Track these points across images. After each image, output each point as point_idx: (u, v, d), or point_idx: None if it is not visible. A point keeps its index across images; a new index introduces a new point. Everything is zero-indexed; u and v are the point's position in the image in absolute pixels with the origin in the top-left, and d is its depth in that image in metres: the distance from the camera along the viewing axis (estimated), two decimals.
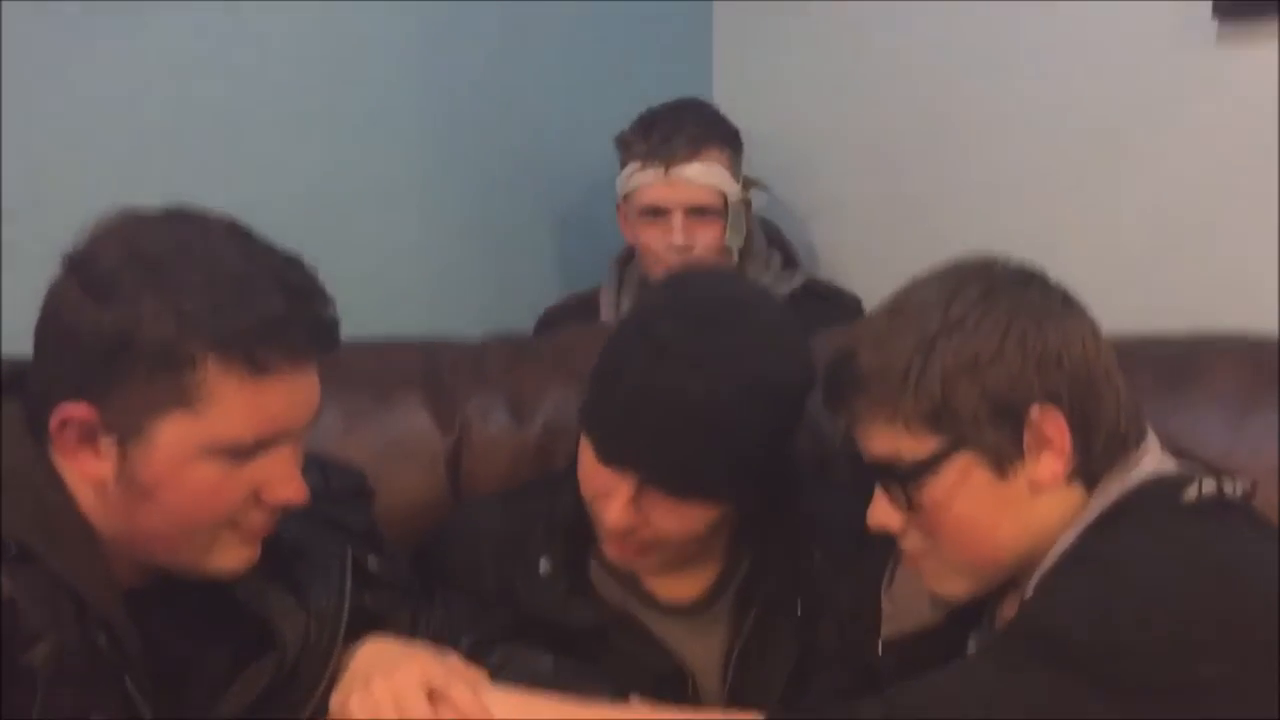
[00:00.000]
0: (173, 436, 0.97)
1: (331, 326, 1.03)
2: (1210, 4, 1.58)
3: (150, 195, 1.03)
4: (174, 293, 0.95)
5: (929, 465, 1.05)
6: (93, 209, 1.01)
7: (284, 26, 1.78)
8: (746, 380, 1.19)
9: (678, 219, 1.82)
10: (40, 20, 1.56)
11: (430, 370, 1.61)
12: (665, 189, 1.82)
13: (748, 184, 1.89)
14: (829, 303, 1.91)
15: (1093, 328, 1.08)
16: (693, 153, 1.81)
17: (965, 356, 1.03)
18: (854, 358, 1.08)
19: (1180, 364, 1.38)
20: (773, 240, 1.99)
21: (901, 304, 1.08)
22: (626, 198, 1.88)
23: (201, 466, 0.98)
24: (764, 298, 1.49)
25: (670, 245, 1.83)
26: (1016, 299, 1.06)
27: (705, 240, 1.84)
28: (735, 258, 1.88)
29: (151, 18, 1.66)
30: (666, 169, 1.81)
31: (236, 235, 1.01)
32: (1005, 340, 1.04)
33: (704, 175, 1.82)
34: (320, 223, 1.76)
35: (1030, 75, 1.80)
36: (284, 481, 1.02)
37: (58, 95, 1.59)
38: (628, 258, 1.97)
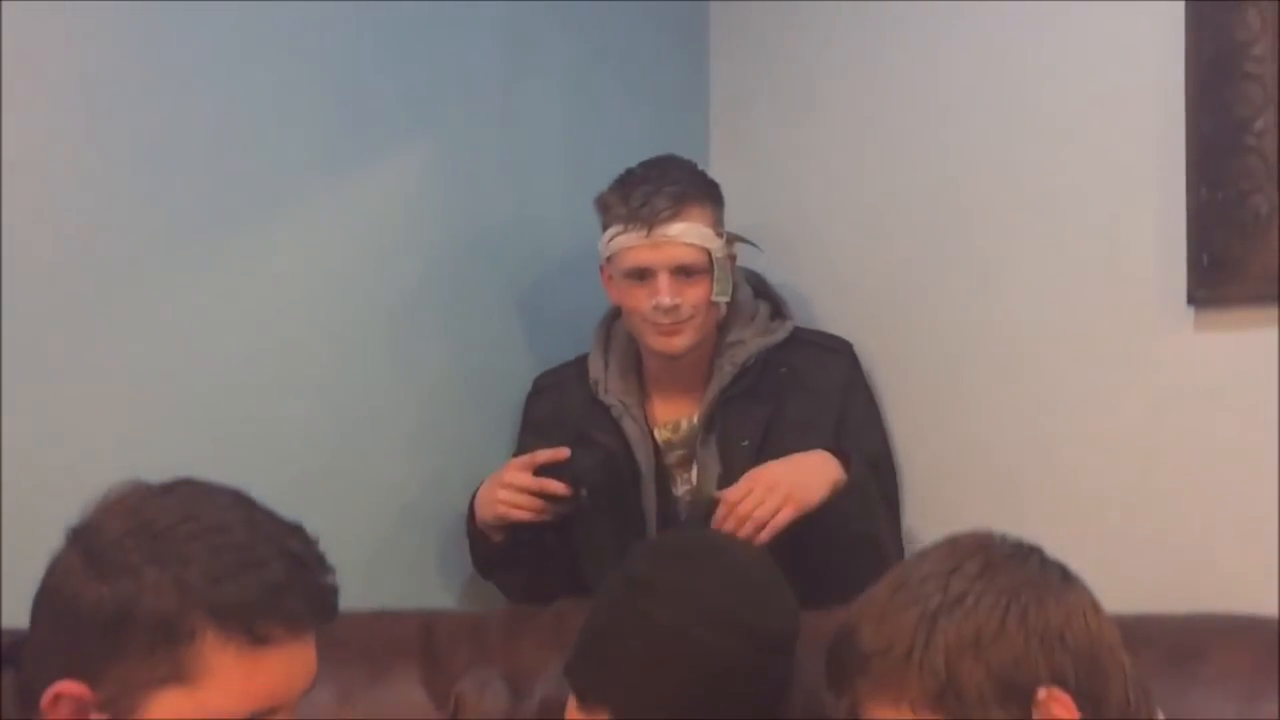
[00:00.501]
0: (166, 711, 0.94)
1: (331, 595, 1.03)
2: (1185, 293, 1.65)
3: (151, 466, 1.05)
4: (176, 565, 0.95)
5: None
6: (90, 475, 1.03)
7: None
8: (717, 614, 1.17)
9: (664, 280, 1.79)
10: (46, 298, 1.62)
11: (428, 642, 1.60)
12: (649, 251, 1.80)
13: (732, 239, 1.87)
14: (819, 349, 1.91)
15: (1093, 603, 1.09)
16: (675, 213, 1.79)
17: (968, 634, 1.03)
18: (856, 634, 1.08)
19: (1182, 645, 1.37)
20: (759, 291, 1.96)
21: (902, 579, 1.09)
22: (609, 259, 1.85)
23: None
24: (744, 545, 1.49)
25: (658, 306, 1.80)
26: (1016, 574, 1.07)
27: (692, 299, 1.80)
28: (723, 312, 1.86)
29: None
30: (649, 230, 1.79)
31: (240, 505, 1.02)
32: (1007, 617, 1.04)
33: (688, 234, 1.79)
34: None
35: (1018, 358, 1.85)
36: None
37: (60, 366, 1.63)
38: (613, 318, 1.95)
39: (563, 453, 1.76)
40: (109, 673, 0.94)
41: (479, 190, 2.03)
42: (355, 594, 1.78)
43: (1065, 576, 1.09)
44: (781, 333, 1.89)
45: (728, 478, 1.79)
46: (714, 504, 1.69)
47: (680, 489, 1.88)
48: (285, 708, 1.00)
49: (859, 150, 2.04)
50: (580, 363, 1.95)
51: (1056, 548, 1.13)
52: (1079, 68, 1.77)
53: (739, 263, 1.93)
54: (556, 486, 1.75)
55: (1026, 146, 1.82)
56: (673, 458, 1.88)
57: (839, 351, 1.92)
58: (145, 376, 1.69)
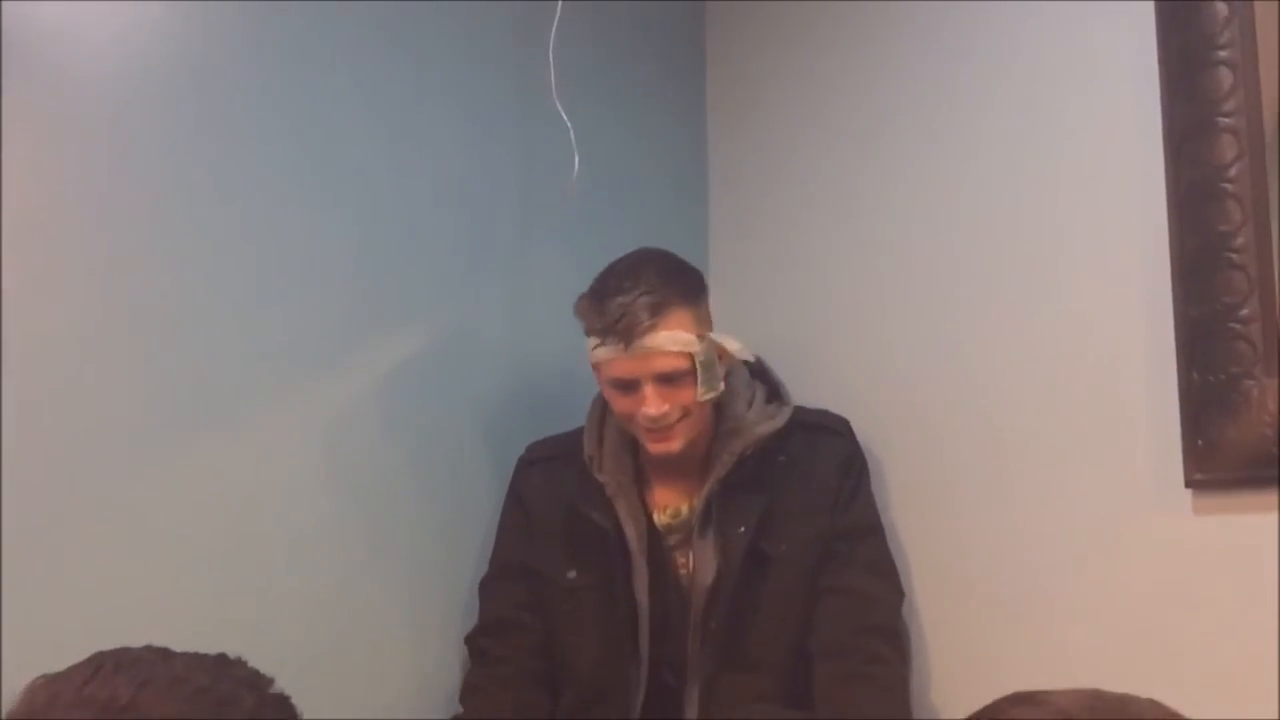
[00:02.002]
0: None
1: (289, 701, 1.04)
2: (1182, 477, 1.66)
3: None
4: None
5: None
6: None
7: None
8: None
9: (649, 390, 1.77)
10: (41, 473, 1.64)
11: None
12: (630, 363, 1.77)
13: (721, 348, 1.84)
14: (817, 432, 1.89)
15: None
16: (653, 325, 1.75)
17: None
18: None
19: None
20: (755, 374, 1.94)
21: None
22: (594, 366, 1.84)
23: None
24: None
25: (645, 416, 1.78)
26: None
27: (679, 402, 1.78)
28: (713, 406, 1.84)
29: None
30: (628, 345, 1.76)
31: (168, 655, 1.03)
32: None
33: (669, 343, 1.76)
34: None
35: (1017, 538, 1.86)
36: None
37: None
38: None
39: None
40: None
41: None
42: None
43: None
44: (780, 419, 1.88)
45: (725, 566, 1.80)
46: None
47: (681, 574, 1.87)
48: None
49: (861, 259, 2.08)
50: (574, 437, 1.93)
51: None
52: (1068, 251, 1.82)
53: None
54: None
55: (1023, 329, 1.86)
56: (672, 541, 1.88)
57: (838, 433, 1.92)
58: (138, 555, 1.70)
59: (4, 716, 0.99)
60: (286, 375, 1.85)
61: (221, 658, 1.04)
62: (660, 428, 1.80)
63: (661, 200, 2.29)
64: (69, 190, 1.69)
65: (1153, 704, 1.11)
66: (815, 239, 2.17)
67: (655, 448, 1.83)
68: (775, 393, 1.94)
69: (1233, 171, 1.65)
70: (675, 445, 1.82)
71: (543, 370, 2.13)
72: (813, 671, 1.81)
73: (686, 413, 1.81)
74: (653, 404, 1.77)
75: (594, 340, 1.81)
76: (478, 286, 2.07)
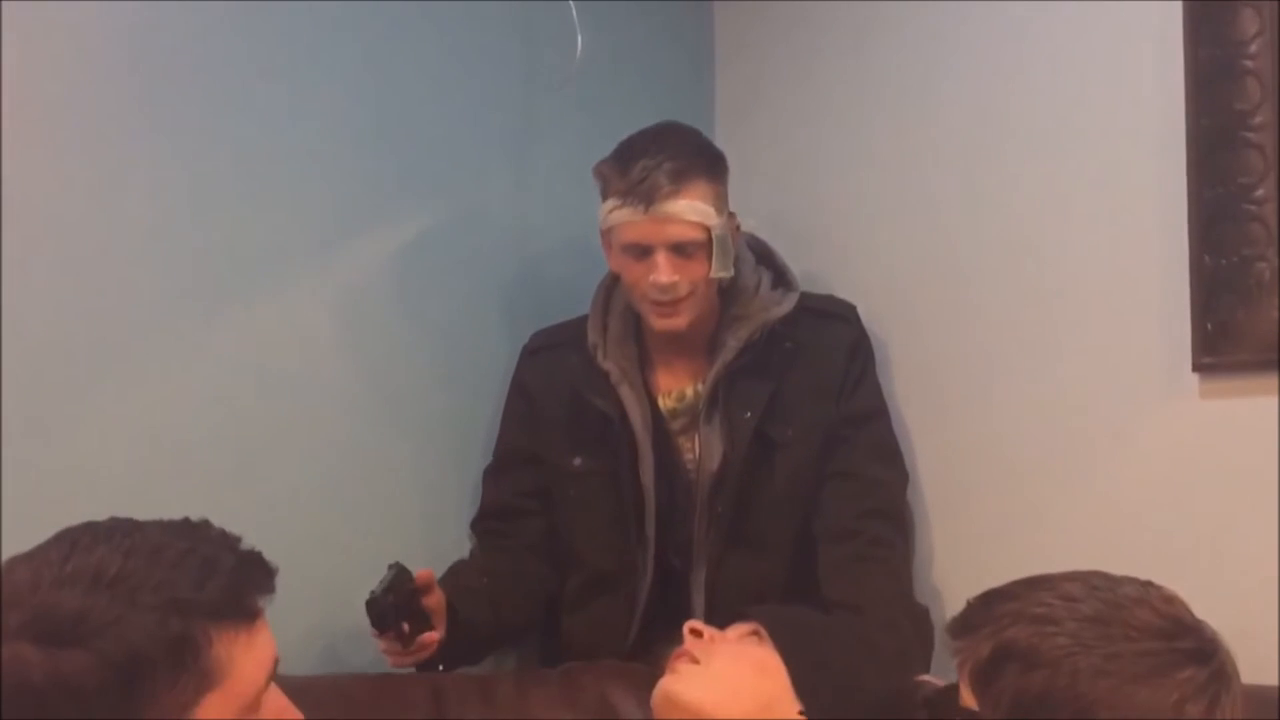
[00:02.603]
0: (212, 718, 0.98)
1: (262, 557, 1.06)
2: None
3: None
4: (151, 594, 0.96)
5: None
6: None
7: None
8: None
9: (661, 257, 1.74)
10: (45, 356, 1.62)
11: (438, 703, 1.61)
12: (647, 227, 1.74)
13: (735, 231, 1.83)
14: (823, 318, 1.88)
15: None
16: (675, 190, 1.72)
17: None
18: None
19: None
20: (762, 259, 1.91)
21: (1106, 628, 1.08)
22: (608, 231, 1.80)
23: None
24: None
25: (655, 284, 1.76)
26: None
27: (690, 276, 1.76)
28: (725, 283, 1.83)
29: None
30: (648, 207, 1.73)
31: (138, 525, 1.04)
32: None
33: (688, 212, 1.73)
34: None
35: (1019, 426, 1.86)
36: (285, 710, 1.06)
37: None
38: (612, 282, 1.90)
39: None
40: None
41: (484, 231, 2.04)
42: (363, 661, 1.82)
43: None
44: (787, 304, 1.86)
45: (731, 451, 1.81)
46: None
47: (685, 456, 1.88)
48: (273, 674, 1.05)
49: (869, 140, 2.05)
50: (578, 325, 1.92)
51: None
52: (1082, 136, 1.79)
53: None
54: (389, 644, 1.65)
55: (1030, 213, 1.84)
56: (677, 425, 1.88)
57: (844, 318, 1.90)
58: (142, 427, 1.70)
59: None
60: (290, 260, 1.83)
61: (188, 521, 1.05)
62: (667, 300, 1.78)
63: (667, 80, 2.25)
64: (77, 59, 1.65)
65: (1147, 585, 1.13)
66: (824, 121, 2.13)
67: (660, 323, 1.81)
68: (781, 278, 1.92)
69: (1252, 48, 1.61)
70: (681, 321, 1.80)
71: (547, 254, 2.10)
72: (818, 554, 1.83)
73: (695, 289, 1.78)
74: (664, 272, 1.74)
75: (612, 203, 1.77)
76: (482, 170, 2.04)
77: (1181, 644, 1.09)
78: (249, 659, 1.01)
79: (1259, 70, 1.61)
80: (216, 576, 1.00)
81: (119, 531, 1.02)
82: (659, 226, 1.74)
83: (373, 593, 1.61)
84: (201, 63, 1.75)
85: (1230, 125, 1.63)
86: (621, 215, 1.76)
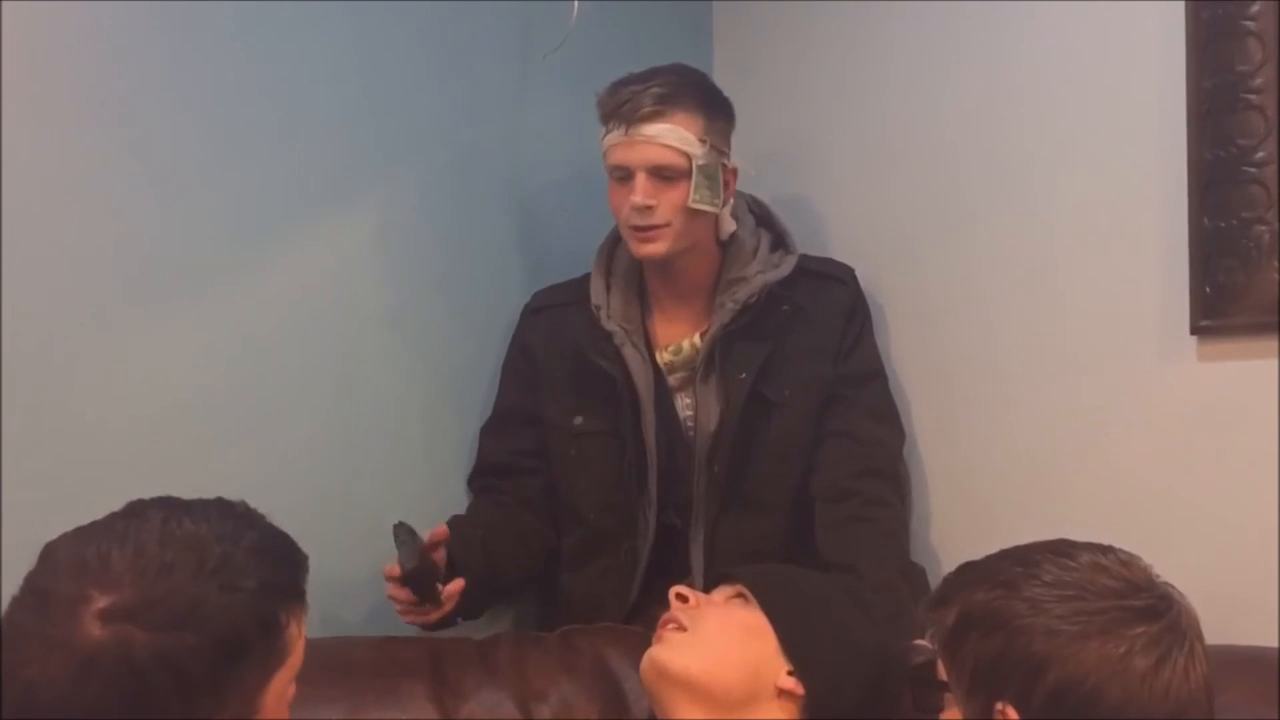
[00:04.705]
0: (275, 694, 1.08)
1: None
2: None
3: None
4: (237, 576, 1.03)
5: None
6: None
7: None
8: None
9: (640, 179, 1.76)
10: (46, 321, 1.62)
11: (436, 665, 1.62)
12: (627, 148, 1.77)
13: (729, 175, 1.83)
14: (822, 280, 1.90)
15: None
16: (657, 113, 1.76)
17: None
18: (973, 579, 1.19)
19: None
20: (762, 221, 1.92)
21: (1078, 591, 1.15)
22: (604, 160, 1.83)
23: (285, 698, 1.11)
24: None
25: (633, 206, 1.77)
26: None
27: (668, 203, 1.77)
28: (723, 234, 1.85)
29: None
30: (628, 129, 1.76)
31: (203, 505, 1.09)
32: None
33: (666, 135, 1.76)
34: None
35: (1016, 384, 1.86)
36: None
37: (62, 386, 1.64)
38: (614, 241, 1.92)
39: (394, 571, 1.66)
40: (229, 696, 1.03)
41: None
42: (361, 620, 1.83)
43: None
44: (785, 267, 1.87)
45: (727, 411, 1.82)
46: None
47: (683, 414, 1.89)
48: None
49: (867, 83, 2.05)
50: (580, 284, 1.93)
51: None
52: (1081, 97, 1.78)
53: (743, 188, 1.90)
54: (404, 594, 1.67)
55: (1028, 175, 1.83)
56: (674, 380, 1.89)
57: (843, 281, 1.91)
58: (147, 396, 1.70)
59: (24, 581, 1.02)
60: (287, 218, 1.83)
61: (232, 503, 1.11)
62: (644, 225, 1.78)
63: (664, 31, 2.23)
64: (74, 25, 1.64)
65: (1108, 550, 1.18)
66: (822, 73, 2.12)
67: (640, 249, 1.81)
68: (780, 240, 1.92)
69: (1254, 9, 1.60)
70: (659, 248, 1.80)
71: (545, 210, 2.10)
72: (815, 514, 1.83)
73: (674, 217, 1.79)
74: (640, 192, 1.76)
75: (605, 129, 1.80)
76: (478, 125, 2.03)
77: (1133, 601, 1.12)
78: (300, 636, 1.10)
79: (1261, 31, 1.60)
80: (286, 560, 1.09)
81: (193, 514, 1.07)
82: (638, 148, 1.77)
83: (403, 566, 1.63)
84: (185, 12, 1.73)
85: (1231, 87, 1.62)
86: (609, 139, 1.80)
